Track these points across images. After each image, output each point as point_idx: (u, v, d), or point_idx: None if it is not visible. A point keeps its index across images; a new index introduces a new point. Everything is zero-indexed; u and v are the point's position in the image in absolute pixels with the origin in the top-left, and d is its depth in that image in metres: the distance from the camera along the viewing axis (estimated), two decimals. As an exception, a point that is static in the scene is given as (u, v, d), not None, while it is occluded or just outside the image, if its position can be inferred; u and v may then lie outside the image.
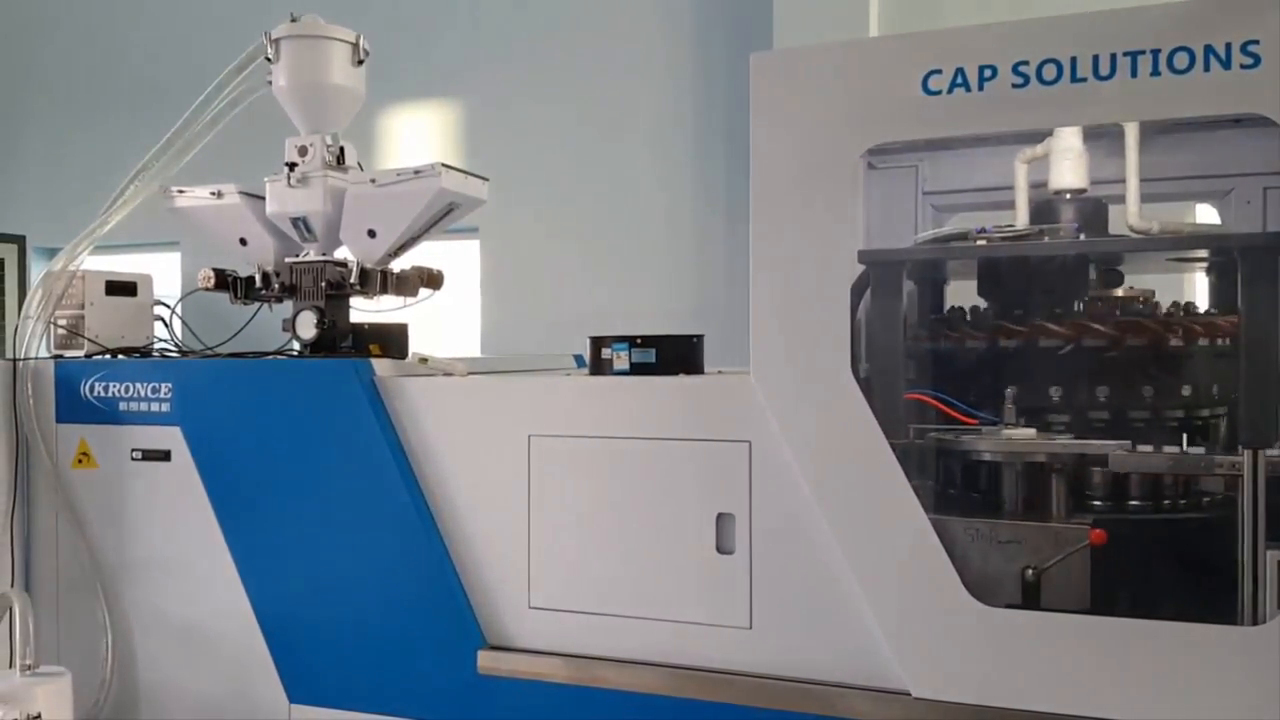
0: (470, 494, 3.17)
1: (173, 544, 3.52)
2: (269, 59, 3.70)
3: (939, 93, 2.57)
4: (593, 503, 3.03)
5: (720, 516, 2.88)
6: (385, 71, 4.44)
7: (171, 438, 3.50)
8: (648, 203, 7.06)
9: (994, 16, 2.64)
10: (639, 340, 3.12)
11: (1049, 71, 2.48)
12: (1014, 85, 2.51)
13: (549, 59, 7.28)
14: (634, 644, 2.97)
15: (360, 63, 3.75)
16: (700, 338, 3.24)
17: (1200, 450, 2.77)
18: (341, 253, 3.75)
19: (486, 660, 3.08)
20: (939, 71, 2.57)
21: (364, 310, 3.82)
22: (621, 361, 3.13)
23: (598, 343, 3.19)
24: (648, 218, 7.07)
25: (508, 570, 3.11)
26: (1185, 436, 2.79)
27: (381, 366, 3.32)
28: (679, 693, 2.89)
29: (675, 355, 3.14)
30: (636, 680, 2.94)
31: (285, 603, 3.38)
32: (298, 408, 3.35)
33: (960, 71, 2.55)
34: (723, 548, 2.87)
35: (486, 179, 3.76)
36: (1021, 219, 3.04)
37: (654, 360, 3.11)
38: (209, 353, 3.79)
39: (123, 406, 3.58)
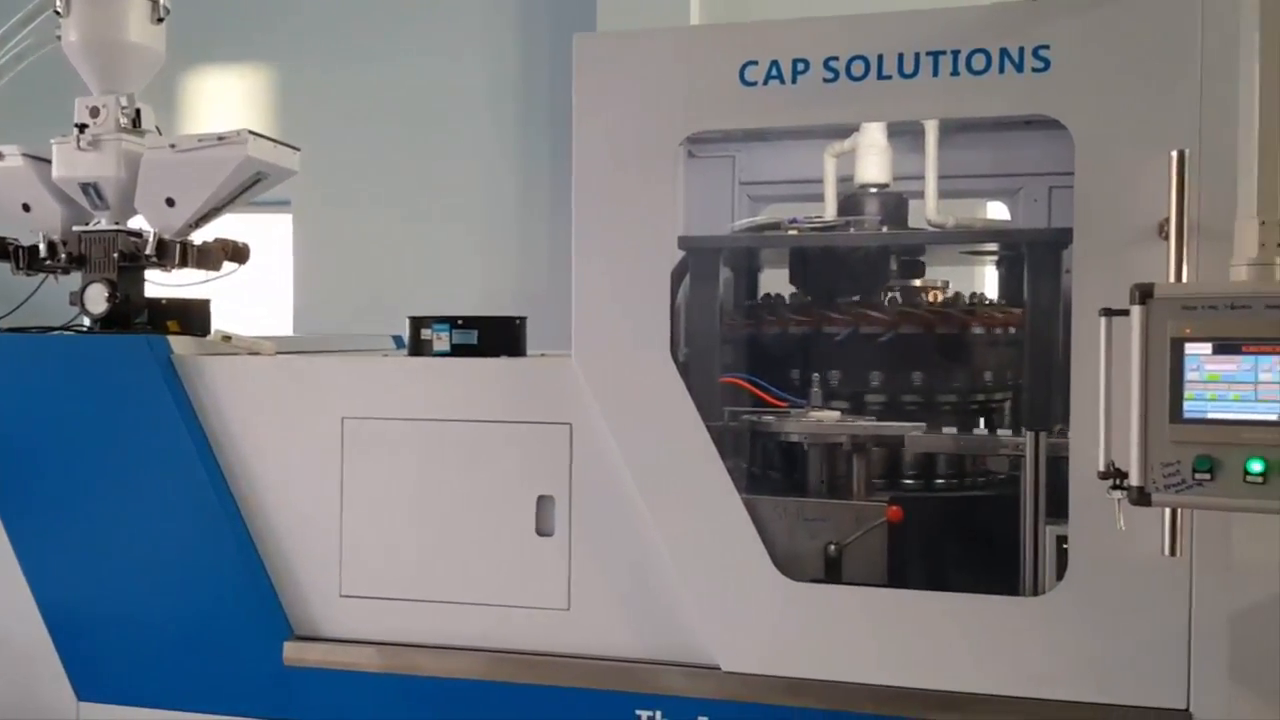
0: (278, 479, 3.06)
1: (-56, 535, 3.25)
2: (58, 12, 3.48)
3: (755, 84, 2.64)
4: (409, 486, 2.98)
5: (540, 499, 2.88)
6: (189, 31, 4.20)
7: (-57, 419, 3.22)
8: (471, 181, 6.97)
9: (815, 11, 2.72)
10: (460, 321, 3.08)
11: (857, 68, 2.58)
12: (825, 80, 2.60)
13: (368, 28, 7.07)
14: (450, 629, 2.94)
15: (160, 20, 3.56)
16: (523, 320, 3.23)
17: (987, 432, 2.95)
18: (137, 222, 3.56)
19: (293, 651, 3.00)
20: (755, 63, 2.64)
21: (163, 285, 3.62)
22: (442, 343, 3.08)
23: (417, 323, 3.13)
24: (471, 196, 6.98)
25: (318, 558, 3.03)
26: (975, 419, 2.97)
27: (180, 344, 3.16)
28: (494, 677, 2.89)
29: (497, 337, 3.12)
30: (451, 666, 2.91)
31: (72, 595, 3.20)
32: (86, 388, 3.16)
33: (775, 64, 2.62)
34: (542, 530, 2.88)
35: (298, 149, 3.63)
36: (829, 210, 3.16)
37: (476, 342, 3.08)
38: (-14, 327, 3.50)
39: (-114, 384, 3.26)
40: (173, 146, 3.39)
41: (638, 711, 2.79)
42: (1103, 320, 2.16)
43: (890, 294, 3.19)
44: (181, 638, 3.10)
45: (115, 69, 3.50)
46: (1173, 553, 2.23)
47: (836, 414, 3.00)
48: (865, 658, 2.65)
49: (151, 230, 3.48)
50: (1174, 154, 2.24)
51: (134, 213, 3.53)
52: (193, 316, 3.56)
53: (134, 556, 3.14)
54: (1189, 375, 2.01)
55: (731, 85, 2.65)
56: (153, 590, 3.13)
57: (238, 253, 3.68)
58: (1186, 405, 2.01)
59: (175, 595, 3.11)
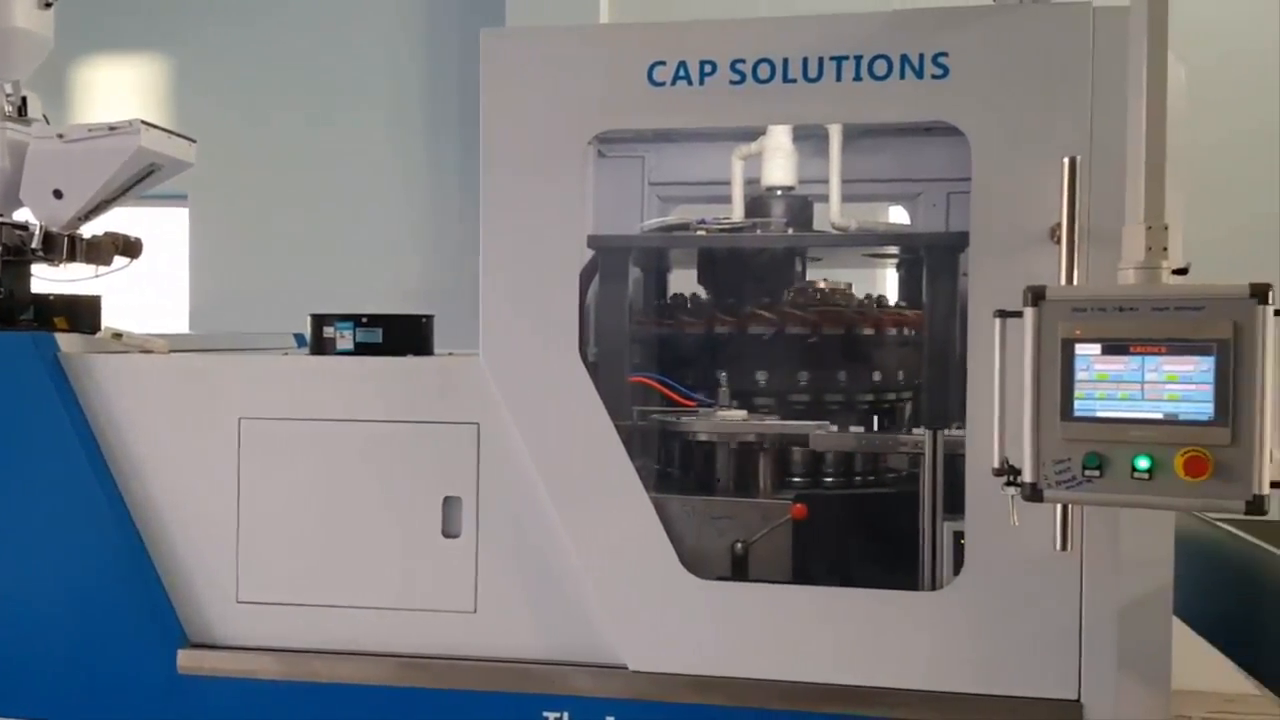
0: (171, 482, 2.96)
1: None
2: (-65, -8, 3.29)
3: (663, 84, 2.65)
4: (311, 489, 2.91)
5: (447, 500, 2.84)
6: (80, 17, 4.04)
7: None
8: (377, 176, 6.86)
9: (725, 12, 2.73)
10: (365, 319, 3.02)
11: (764, 71, 2.60)
12: (732, 82, 2.62)
13: (270, 16, 6.89)
14: (353, 634, 2.88)
15: (48, 5, 3.43)
16: (430, 318, 3.18)
17: (888, 431, 3.01)
18: (23, 215, 3.42)
19: (187, 659, 2.91)
20: (663, 63, 2.64)
21: (50, 280, 3.48)
22: (345, 341, 3.02)
23: (320, 321, 3.06)
24: (377, 192, 6.87)
25: (213, 563, 2.94)
26: (876, 418, 3.03)
27: (67, 342, 3.04)
28: (398, 682, 2.84)
29: (404, 336, 3.06)
30: (353, 672, 2.85)
31: (-53, 604, 3.03)
32: (-34, 387, 3.00)
33: (683, 65, 2.63)
34: (449, 531, 2.84)
35: (194, 140, 3.53)
36: (737, 212, 3.19)
37: (380, 340, 3.02)
38: None
39: None
40: (61, 136, 3.28)
41: (545, 713, 2.77)
42: (997, 321, 2.22)
43: (795, 295, 3.24)
44: (70, 646, 2.98)
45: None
46: (1064, 548, 2.30)
47: (743, 413, 3.03)
48: (771, 654, 2.68)
49: (38, 223, 3.35)
50: (1066, 160, 2.31)
51: (19, 204, 3.41)
52: (82, 313, 3.44)
53: (18, 562, 3.00)
54: (1079, 375, 2.08)
55: (640, 85, 2.65)
56: (39, 597, 3.00)
57: (129, 247, 3.57)
58: (1077, 404, 2.07)
59: (63, 602, 2.98)
